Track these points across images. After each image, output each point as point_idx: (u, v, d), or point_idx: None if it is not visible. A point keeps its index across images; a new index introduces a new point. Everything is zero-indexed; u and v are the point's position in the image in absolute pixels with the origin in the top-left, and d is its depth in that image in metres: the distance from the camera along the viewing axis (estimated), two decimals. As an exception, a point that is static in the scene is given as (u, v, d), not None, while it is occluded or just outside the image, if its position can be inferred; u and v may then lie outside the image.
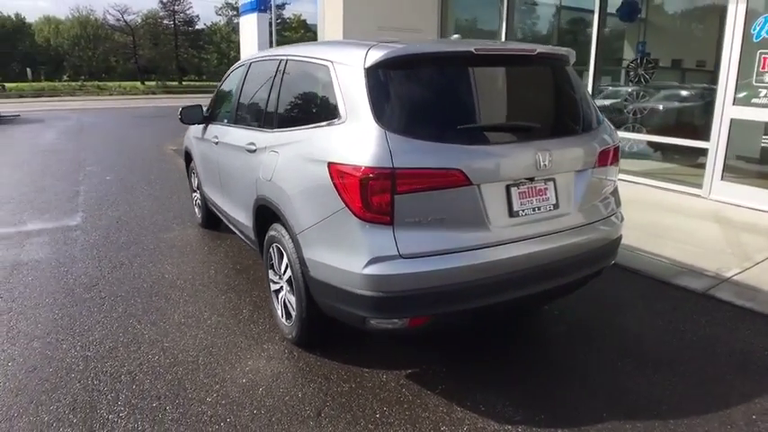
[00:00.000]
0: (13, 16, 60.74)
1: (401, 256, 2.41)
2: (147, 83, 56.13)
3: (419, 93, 2.61)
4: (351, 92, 2.60)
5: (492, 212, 2.57)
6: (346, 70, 2.66)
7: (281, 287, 3.27)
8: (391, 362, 3.11)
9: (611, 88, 9.21)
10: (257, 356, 3.18)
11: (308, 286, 2.85)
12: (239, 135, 3.84)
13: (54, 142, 13.27)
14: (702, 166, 6.57)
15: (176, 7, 66.34)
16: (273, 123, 3.36)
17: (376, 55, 2.54)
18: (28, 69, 45.67)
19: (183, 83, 58.79)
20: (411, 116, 2.52)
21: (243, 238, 4.11)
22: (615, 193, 3.25)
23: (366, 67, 2.55)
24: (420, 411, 2.67)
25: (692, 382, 2.92)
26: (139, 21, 63.26)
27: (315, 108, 3.02)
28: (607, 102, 9.02)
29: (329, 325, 2.99)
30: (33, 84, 44.93)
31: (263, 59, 3.90)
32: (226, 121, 4.35)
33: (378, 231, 2.41)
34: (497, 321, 3.55)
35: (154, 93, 45.62)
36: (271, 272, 3.42)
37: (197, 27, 67.72)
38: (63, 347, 3.29)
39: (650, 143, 8.31)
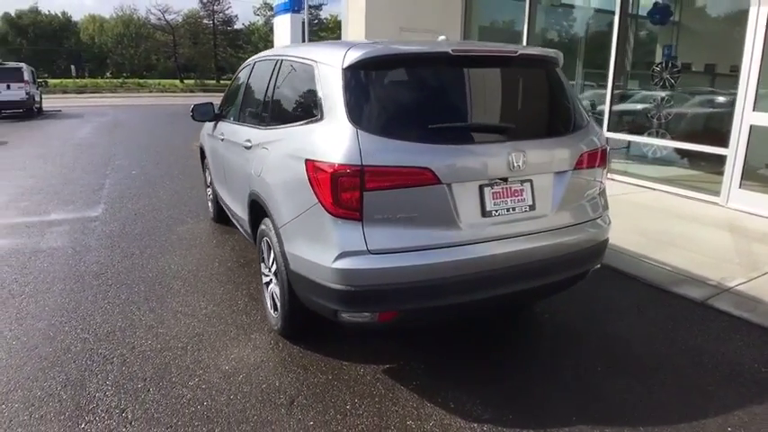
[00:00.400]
0: (60, 14, 63.18)
1: (369, 252, 2.48)
2: (185, 81, 57.64)
3: (393, 93, 2.67)
4: (329, 91, 2.69)
5: (463, 212, 2.61)
6: (327, 70, 2.75)
7: (270, 279, 3.37)
8: (372, 356, 3.17)
9: (633, 92, 9.04)
10: (243, 345, 3.29)
11: (289, 279, 2.94)
12: (240, 132, 3.97)
13: (88, 137, 13.81)
14: (722, 173, 6.41)
15: (216, 7, 67.91)
16: (266, 121, 3.47)
17: (354, 55, 2.61)
18: (72, 66, 47.42)
19: (221, 81, 60.05)
20: (383, 115, 2.59)
21: (242, 232, 4.24)
22: (601, 195, 3.24)
23: (344, 67, 2.63)
24: (390, 405, 2.72)
25: (672, 390, 2.89)
26: (180, 20, 64.96)
27: (300, 106, 3.11)
28: (629, 106, 8.86)
29: (311, 317, 3.07)
30: (77, 80, 46.63)
31: (264, 59, 4.02)
32: (232, 118, 4.50)
33: (347, 227, 2.49)
34: (485, 321, 3.58)
35: (192, 91, 46.78)
36: (262, 265, 3.53)
37: (235, 27, 69.12)
38: (65, 330, 3.47)
39: (673, 149, 8.13)
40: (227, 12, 68.38)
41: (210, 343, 3.33)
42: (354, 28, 10.51)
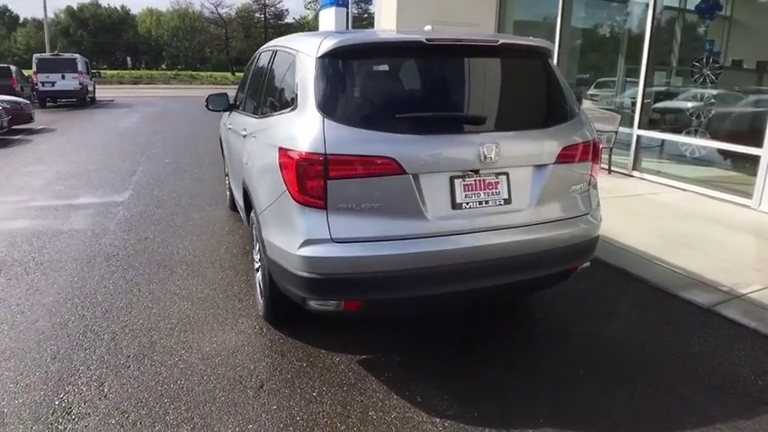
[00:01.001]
0: (119, 8, 65.78)
1: (333, 240, 2.49)
2: (236, 73, 59.00)
3: (364, 82, 2.66)
4: (304, 80, 2.71)
5: (431, 203, 2.57)
6: (304, 59, 2.77)
7: (259, 266, 3.44)
8: (351, 346, 3.19)
9: (670, 89, 8.66)
10: (228, 330, 3.37)
11: (268, 266, 2.99)
12: (241, 121, 4.06)
13: (133, 126, 14.37)
14: (756, 174, 6.07)
15: (267, 1, 69.20)
16: (260, 110, 3.53)
17: (327, 44, 2.62)
18: (128, 58, 49.45)
19: (270, 74, 61.10)
20: (351, 104, 2.58)
21: (244, 219, 4.33)
22: (591, 191, 3.13)
23: (318, 56, 2.64)
24: (356, 395, 2.73)
25: (652, 398, 2.77)
26: (233, 14, 66.55)
27: (283, 96, 3.15)
28: (664, 103, 8.49)
29: (292, 304, 3.11)
30: (132, 71, 48.58)
31: (266, 50, 4.08)
32: (240, 108, 4.59)
33: (312, 215, 2.50)
34: (473, 317, 3.53)
35: (241, 83, 47.73)
36: (254, 251, 3.60)
37: (286, 21, 70.23)
38: (66, 306, 3.65)
39: (709, 149, 7.75)
40: (278, 6, 69.62)
41: (198, 325, 3.42)
42: (386, 22, 10.49)
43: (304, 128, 2.55)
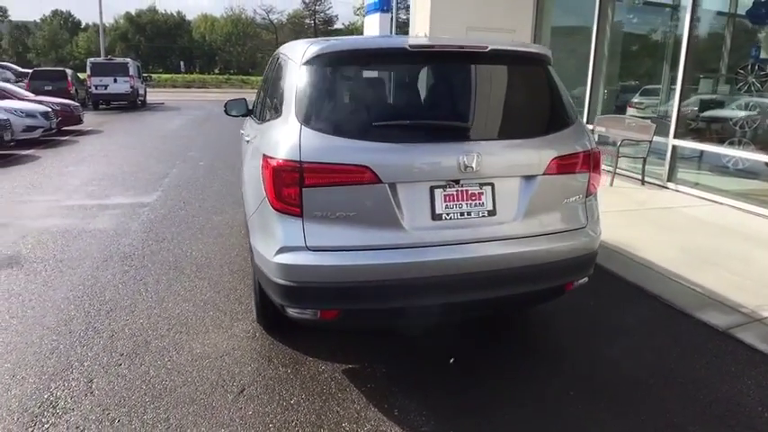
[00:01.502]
0: (175, 13, 68.33)
1: (308, 248, 2.48)
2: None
3: (345, 89, 2.65)
4: (289, 87, 2.73)
5: (409, 213, 2.53)
6: (291, 66, 2.78)
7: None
8: (339, 354, 3.17)
9: (711, 97, 8.25)
10: (223, 332, 3.42)
11: (255, 271, 3.01)
12: (249, 127, 4.13)
13: (177, 128, 14.87)
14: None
15: (317, 7, 70.48)
16: (260, 116, 3.58)
17: (311, 51, 2.63)
18: (181, 62, 51.19)
19: (317, 79, 62.02)
20: (330, 112, 2.57)
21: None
22: (589, 203, 3.00)
23: (302, 63, 2.65)
24: (333, 405, 2.71)
25: (647, 424, 2.62)
26: (284, 20, 68.10)
27: (275, 102, 3.17)
28: (708, 112, 8.09)
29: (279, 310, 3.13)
30: (186, 75, 50.26)
31: (274, 56, 4.13)
32: (252, 113, 4.67)
33: (288, 222, 2.51)
34: (468, 330, 3.45)
35: (289, 87, 48.62)
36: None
37: (335, 26, 71.22)
38: (75, 303, 3.79)
39: (754, 161, 7.33)
40: (327, 12, 70.84)
41: (194, 327, 3.49)
42: (420, 28, 10.45)
43: (283, 135, 2.57)
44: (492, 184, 2.64)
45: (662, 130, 7.43)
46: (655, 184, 7.42)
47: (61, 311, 3.66)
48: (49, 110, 11.71)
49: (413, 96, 2.70)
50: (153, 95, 26.49)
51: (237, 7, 75.41)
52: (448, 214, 2.58)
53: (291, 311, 2.64)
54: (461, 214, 2.60)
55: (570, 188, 2.86)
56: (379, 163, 2.46)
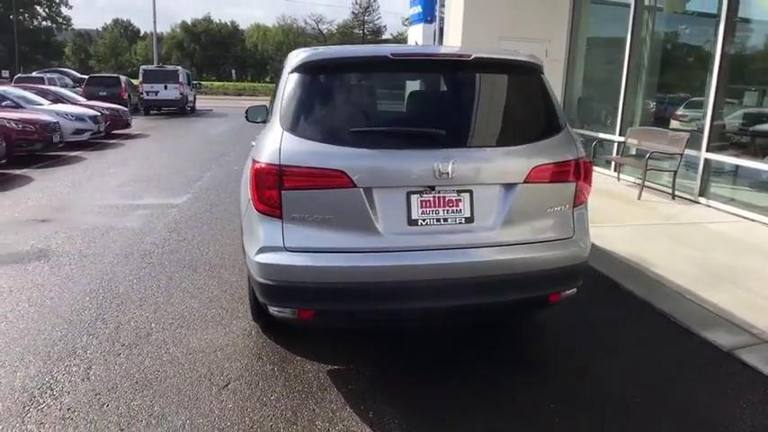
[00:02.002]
0: (228, 23, 70.70)
1: (286, 249, 2.58)
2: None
3: (326, 96, 2.73)
4: (279, 93, 2.85)
5: (385, 218, 2.58)
6: (283, 74, 2.90)
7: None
8: (329, 354, 3.23)
9: (750, 109, 7.90)
10: (221, 329, 3.55)
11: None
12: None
13: (219, 134, 15.40)
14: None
15: (366, 17, 71.50)
16: (264, 123, 3.72)
17: (298, 59, 2.75)
18: (233, 71, 52.84)
19: (364, 88, 62.81)
20: (310, 118, 2.67)
21: None
22: (576, 213, 2.96)
23: (290, 70, 2.76)
24: (311, 403, 2.78)
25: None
26: (334, 30, 69.38)
27: (272, 107, 3.30)
28: (740, 124, 7.76)
29: None
30: (237, 83, 51.88)
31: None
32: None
33: (269, 223, 2.61)
34: (460, 335, 3.46)
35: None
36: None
37: (384, 37, 71.99)
38: (90, 296, 4.02)
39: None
40: (376, 22, 71.72)
41: (195, 322, 3.64)
42: (453, 38, 10.49)
43: (268, 140, 2.68)
44: (470, 191, 2.67)
45: (698, 142, 7.18)
46: (686, 198, 7.17)
47: (76, 302, 3.89)
48: (98, 114, 12.37)
49: (394, 103, 2.76)
50: (203, 102, 27.49)
51: (289, 17, 77.31)
52: (424, 220, 2.62)
53: (272, 309, 2.74)
54: (438, 220, 2.63)
55: (554, 197, 2.84)
56: (355, 168, 2.53)
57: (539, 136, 2.84)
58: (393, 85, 2.79)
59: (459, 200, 2.65)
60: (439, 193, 2.63)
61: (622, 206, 6.86)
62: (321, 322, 2.82)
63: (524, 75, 2.94)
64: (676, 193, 7.19)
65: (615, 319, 3.89)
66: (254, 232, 2.72)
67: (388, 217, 2.59)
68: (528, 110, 2.93)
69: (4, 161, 8.32)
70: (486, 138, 2.83)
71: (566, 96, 10.49)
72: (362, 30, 70.78)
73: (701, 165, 7.00)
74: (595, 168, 8.90)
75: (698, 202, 7.02)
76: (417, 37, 17.91)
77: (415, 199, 2.61)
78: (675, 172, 7.11)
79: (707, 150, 6.94)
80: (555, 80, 10.37)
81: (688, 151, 7.03)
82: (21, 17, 49.15)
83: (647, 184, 7.55)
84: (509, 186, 2.73)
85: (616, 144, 8.81)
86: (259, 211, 2.64)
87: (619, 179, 8.47)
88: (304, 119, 2.67)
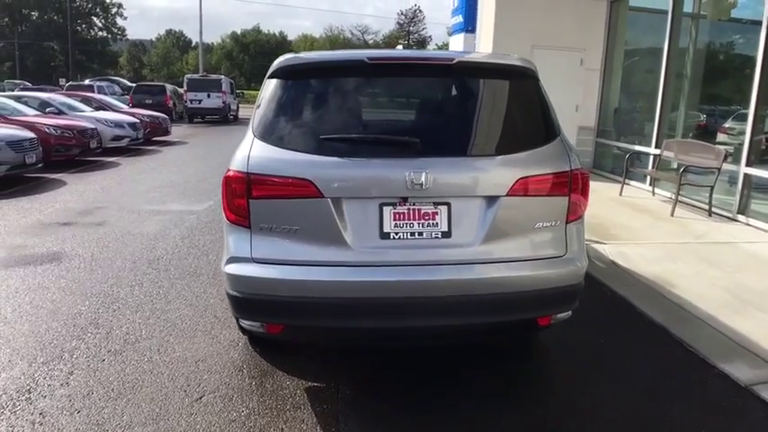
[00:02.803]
0: (277, 34, 72.32)
1: (253, 260, 2.49)
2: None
3: (298, 101, 2.65)
4: (258, 99, 2.77)
5: (355, 230, 2.46)
6: (265, 79, 2.83)
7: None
8: (312, 370, 3.12)
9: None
10: (209, 338, 3.50)
11: None
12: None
13: (254, 141, 15.62)
14: None
15: (411, 28, 71.83)
16: None
17: (275, 64, 2.68)
18: (278, 80, 53.71)
19: (408, 97, 63.07)
20: (281, 125, 2.58)
21: None
22: (569, 229, 2.74)
23: (268, 75, 2.70)
24: (280, 422, 2.67)
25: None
26: (379, 41, 70.01)
27: None
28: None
29: None
30: (283, 93, 52.69)
31: None
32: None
33: (238, 233, 2.54)
34: (452, 354, 3.29)
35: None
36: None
37: (429, 47, 72.07)
38: (90, 299, 4.06)
39: None
40: (421, 33, 71.95)
41: (185, 330, 3.61)
42: (484, 47, 10.30)
43: (241, 148, 2.62)
44: (448, 204, 2.51)
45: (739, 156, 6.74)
46: (723, 215, 6.73)
47: (75, 306, 3.94)
48: (137, 121, 12.78)
49: (372, 110, 2.65)
50: (247, 111, 28.04)
51: (336, 28, 78.45)
52: (397, 233, 2.48)
53: (243, 324, 2.66)
54: (412, 234, 2.49)
55: (543, 212, 2.64)
56: (322, 177, 2.42)
57: (526, 145, 2.65)
58: (371, 92, 2.67)
59: (436, 212, 2.50)
60: (414, 205, 2.49)
61: (652, 222, 6.50)
62: (292, 338, 2.72)
63: (514, 80, 2.77)
64: (714, 209, 6.76)
65: (626, 345, 3.61)
66: (225, 242, 2.65)
67: (359, 229, 2.47)
68: (516, 118, 2.75)
69: (40, 165, 8.66)
70: (467, 147, 2.65)
71: (601, 107, 10.12)
72: (408, 40, 71.09)
73: (740, 180, 6.56)
74: (630, 182, 8.56)
75: (736, 220, 6.58)
76: (458, 47, 17.77)
77: (387, 211, 2.48)
78: (712, 187, 6.68)
79: (746, 165, 6.50)
80: (590, 90, 10.04)
81: (727, 166, 6.61)
82: (78, 28, 51.81)
83: (683, 200, 7.14)
84: (491, 199, 2.55)
85: (652, 157, 8.40)
86: (229, 221, 2.58)
87: (653, 194, 8.05)
88: (276, 126, 2.59)
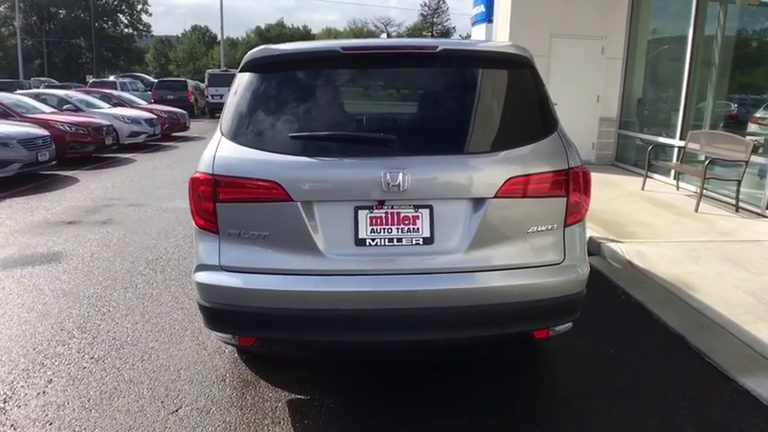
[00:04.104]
0: (301, 28, 72.29)
1: (222, 268, 2.34)
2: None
3: (267, 97, 2.46)
4: (229, 95, 2.60)
5: (328, 236, 2.28)
6: (236, 73, 2.66)
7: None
8: (296, 382, 2.96)
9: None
10: (195, 346, 3.37)
11: None
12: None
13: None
14: None
15: (435, 19, 71.05)
16: None
17: (247, 55, 2.52)
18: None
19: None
20: (249, 122, 2.41)
21: None
22: (568, 234, 2.49)
23: (239, 69, 2.53)
24: (258, 438, 2.53)
25: None
26: (403, 33, 69.41)
27: None
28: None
29: None
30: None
31: None
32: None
33: (206, 238, 2.39)
34: (453, 369, 3.09)
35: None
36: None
37: (452, 38, 71.16)
38: (82, 302, 3.99)
39: None
40: (445, 24, 71.09)
41: (172, 336, 3.49)
42: (501, 37, 9.97)
43: (208, 148, 2.46)
44: (430, 207, 2.30)
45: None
46: (752, 211, 6.34)
47: (66, 309, 3.86)
48: (154, 117, 12.81)
49: (345, 105, 2.45)
50: (266, 105, 28.10)
51: (360, 21, 78.07)
52: (374, 240, 2.29)
53: (217, 335, 2.51)
54: (390, 240, 2.29)
55: (538, 215, 2.41)
56: (291, 179, 2.25)
57: (518, 141, 2.41)
58: (346, 85, 2.48)
59: (417, 216, 2.30)
60: (392, 208, 2.29)
61: (675, 219, 6.16)
62: (265, 350, 2.56)
63: (505, 69, 2.54)
64: (741, 205, 6.38)
65: (638, 356, 3.35)
66: (195, 249, 2.50)
67: (332, 235, 2.29)
68: (507, 111, 2.51)
69: (54, 162, 8.70)
70: (451, 144, 2.41)
71: (623, 97, 9.70)
72: (431, 32, 70.35)
73: (769, 174, 6.17)
74: (653, 176, 8.17)
75: (765, 216, 6.19)
76: (480, 37, 17.40)
77: (363, 215, 2.28)
78: (740, 181, 6.29)
79: (777, 158, 6.10)
80: (612, 79, 9.64)
81: (756, 158, 6.22)
82: (105, 25, 52.62)
83: (709, 194, 6.76)
84: (478, 201, 2.33)
85: (676, 149, 8.00)
86: (197, 226, 2.42)
87: (678, 188, 7.67)
88: (244, 124, 2.42)
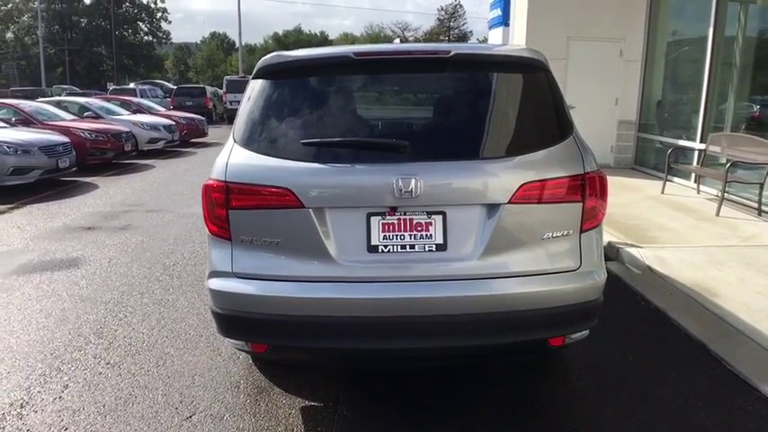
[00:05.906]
0: (318, 33, 72.77)
1: (234, 275, 2.35)
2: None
3: (280, 103, 2.47)
4: (242, 103, 2.62)
5: (340, 243, 2.27)
6: (249, 80, 2.68)
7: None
8: (310, 389, 2.96)
9: None
10: (210, 351, 3.39)
11: None
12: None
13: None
14: None
15: (452, 23, 70.95)
16: None
17: (259, 62, 2.54)
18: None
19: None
20: (262, 129, 2.42)
21: None
22: (584, 240, 2.45)
23: (252, 76, 2.54)
24: (269, 445, 2.53)
25: None
26: (420, 37, 69.47)
27: None
28: None
29: None
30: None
31: None
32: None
33: (219, 245, 2.40)
34: (466, 377, 3.05)
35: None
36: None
37: (469, 42, 70.99)
38: (99, 307, 4.04)
39: None
40: (462, 28, 70.95)
41: (187, 342, 3.51)
42: (517, 38, 9.90)
43: (221, 155, 2.48)
44: (443, 213, 2.28)
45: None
46: (776, 216, 6.20)
47: (83, 314, 3.91)
48: (173, 123, 12.97)
49: (356, 111, 2.44)
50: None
51: (377, 25, 78.31)
52: (386, 246, 2.27)
53: (230, 342, 2.52)
54: (403, 247, 2.27)
55: (553, 221, 2.37)
56: (303, 185, 2.24)
57: (533, 146, 2.38)
58: (359, 90, 2.47)
59: (430, 223, 2.28)
60: (404, 214, 2.27)
61: (695, 223, 6.03)
62: (278, 357, 2.56)
63: (519, 73, 2.51)
64: (763, 208, 6.23)
65: (657, 363, 3.28)
66: (208, 256, 2.51)
67: (345, 242, 2.28)
68: (522, 115, 2.48)
69: (74, 169, 8.85)
70: (464, 149, 2.38)
71: (642, 100, 9.56)
72: (448, 36, 70.28)
73: (794, 177, 6.01)
74: (673, 179, 8.03)
75: (791, 221, 6.04)
76: (497, 41, 17.32)
77: (375, 222, 2.27)
78: (762, 184, 6.15)
79: (802, 160, 5.95)
80: (631, 82, 9.51)
81: (780, 161, 6.06)
82: (125, 33, 53.57)
83: (730, 198, 6.62)
84: (492, 207, 2.30)
85: (696, 152, 7.85)
86: (211, 233, 2.44)
87: (698, 192, 7.52)
88: (256, 130, 2.43)
